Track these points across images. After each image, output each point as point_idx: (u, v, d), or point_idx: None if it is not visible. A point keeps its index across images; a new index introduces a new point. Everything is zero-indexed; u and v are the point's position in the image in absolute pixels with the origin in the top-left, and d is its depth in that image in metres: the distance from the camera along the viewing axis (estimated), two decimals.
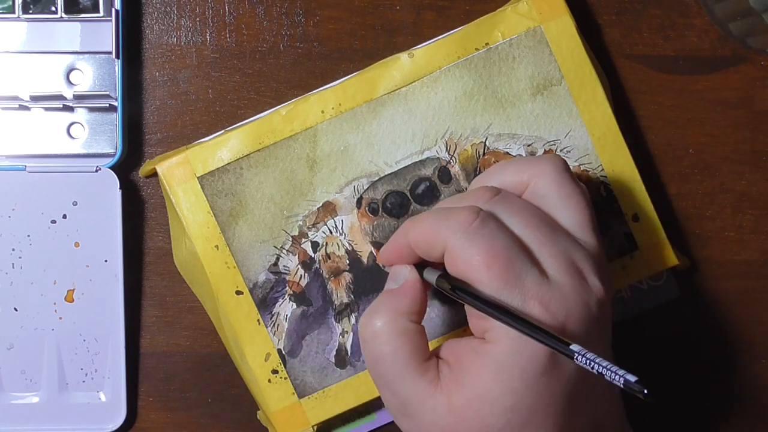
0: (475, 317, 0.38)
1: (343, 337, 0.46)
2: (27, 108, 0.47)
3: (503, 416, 0.36)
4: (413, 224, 0.39)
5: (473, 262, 0.37)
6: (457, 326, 0.46)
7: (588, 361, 0.32)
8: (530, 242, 0.38)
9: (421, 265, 0.40)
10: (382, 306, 0.39)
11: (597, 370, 0.32)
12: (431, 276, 0.39)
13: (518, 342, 0.36)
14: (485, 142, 0.46)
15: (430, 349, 0.40)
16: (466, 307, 0.39)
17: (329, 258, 0.46)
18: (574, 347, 0.33)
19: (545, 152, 0.46)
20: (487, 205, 0.38)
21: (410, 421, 0.38)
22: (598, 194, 0.46)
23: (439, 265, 0.39)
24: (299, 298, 0.46)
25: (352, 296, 0.46)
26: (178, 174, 0.45)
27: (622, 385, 0.31)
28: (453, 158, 0.46)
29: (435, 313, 0.46)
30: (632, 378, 0.31)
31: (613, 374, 0.31)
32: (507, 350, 0.36)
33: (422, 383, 0.38)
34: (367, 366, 0.40)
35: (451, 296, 0.38)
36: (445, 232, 0.37)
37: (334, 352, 0.46)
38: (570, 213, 0.39)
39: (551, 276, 0.37)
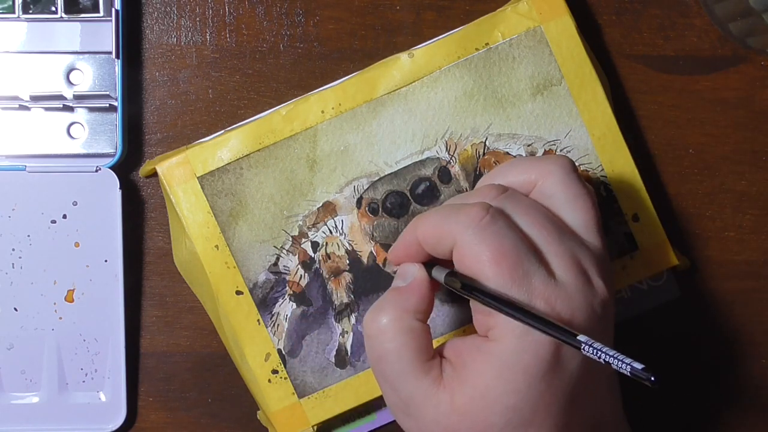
0: (479, 314, 0.38)
1: (343, 337, 0.46)
2: (27, 108, 0.47)
3: (505, 415, 0.36)
4: (422, 220, 0.40)
5: (482, 259, 0.37)
6: (459, 325, 0.46)
7: (595, 351, 0.32)
8: (538, 241, 0.38)
9: (429, 264, 0.40)
10: (389, 303, 0.39)
11: (604, 360, 0.32)
12: (440, 274, 0.39)
13: (522, 340, 0.36)
14: (485, 142, 0.46)
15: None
16: (471, 304, 0.39)
17: (329, 258, 0.46)
18: (582, 338, 0.33)
19: (545, 152, 0.46)
20: (496, 202, 0.39)
21: (412, 419, 0.38)
22: (598, 194, 0.46)
23: (448, 264, 0.39)
24: (299, 298, 0.46)
25: (352, 296, 0.46)
26: (178, 174, 0.45)
27: (629, 373, 0.31)
28: (453, 158, 0.46)
29: (436, 312, 0.46)
30: (639, 366, 0.31)
31: (620, 362, 0.31)
32: (510, 348, 0.36)
33: (425, 382, 0.38)
34: (370, 363, 0.40)
35: (460, 293, 0.38)
36: (454, 227, 0.37)
37: (334, 352, 0.46)
38: (577, 213, 0.39)
39: (558, 276, 0.37)
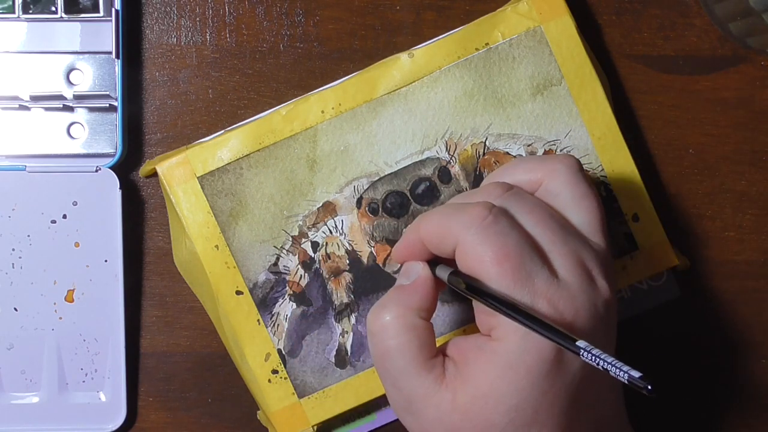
0: (482, 314, 0.38)
1: (343, 337, 0.46)
2: (27, 108, 0.47)
3: (507, 415, 0.36)
4: (425, 219, 0.39)
5: (485, 259, 0.36)
6: (460, 325, 0.46)
7: (594, 357, 0.32)
8: (542, 240, 0.38)
9: (433, 262, 0.40)
10: (392, 301, 0.39)
11: (602, 366, 0.32)
12: (443, 273, 0.39)
13: (525, 340, 0.36)
14: (485, 142, 0.46)
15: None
16: (474, 304, 0.39)
17: (329, 258, 0.46)
18: (581, 343, 0.33)
19: (545, 152, 0.46)
20: (500, 200, 0.38)
21: (414, 417, 0.38)
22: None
23: (452, 262, 0.39)
24: (299, 298, 0.46)
25: (352, 296, 0.46)
26: (178, 174, 0.45)
27: (626, 381, 0.31)
28: (453, 158, 0.46)
29: (437, 312, 0.46)
30: (636, 374, 0.31)
31: (617, 370, 0.31)
32: (513, 348, 0.36)
33: (428, 380, 0.38)
34: (373, 360, 0.40)
35: (463, 293, 0.38)
36: (457, 227, 0.37)
37: (334, 352, 0.46)
38: (582, 213, 0.39)
39: (561, 275, 0.37)
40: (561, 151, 0.46)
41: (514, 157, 0.46)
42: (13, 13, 0.46)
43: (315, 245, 0.46)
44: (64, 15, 0.46)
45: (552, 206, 0.39)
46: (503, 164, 0.42)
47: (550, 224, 0.38)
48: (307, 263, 0.46)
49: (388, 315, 0.39)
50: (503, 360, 0.36)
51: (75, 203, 0.47)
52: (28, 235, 0.47)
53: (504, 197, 0.39)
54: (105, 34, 0.47)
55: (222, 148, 0.45)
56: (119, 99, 0.46)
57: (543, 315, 0.36)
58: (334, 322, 0.46)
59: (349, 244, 0.46)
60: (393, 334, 0.38)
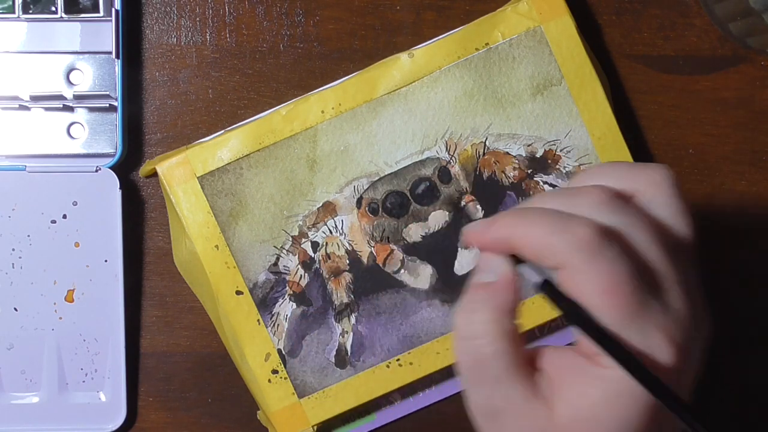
0: None
1: (343, 337, 0.46)
2: (27, 108, 0.47)
3: None
4: (523, 224, 0.35)
5: (593, 288, 0.33)
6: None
7: None
8: (657, 265, 0.34)
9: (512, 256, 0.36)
10: (483, 302, 0.35)
11: None
12: (531, 275, 0.35)
13: None
14: (485, 142, 0.46)
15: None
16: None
17: (329, 258, 0.46)
18: (687, 414, 0.30)
19: (545, 152, 0.46)
20: (609, 216, 0.34)
21: (499, 426, 0.35)
22: None
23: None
24: (299, 298, 0.46)
25: (352, 296, 0.46)
26: (178, 174, 0.45)
27: None
28: (453, 158, 0.46)
29: (436, 312, 0.46)
30: None
31: None
32: (622, 376, 0.33)
33: (522, 390, 0.34)
34: (461, 366, 0.36)
35: (557, 310, 0.34)
36: (562, 247, 0.33)
37: (334, 352, 0.46)
38: (683, 230, 0.36)
39: (672, 304, 0.34)
40: (561, 151, 0.46)
41: (514, 157, 0.46)
42: (13, 13, 0.46)
43: (315, 245, 0.46)
44: (64, 15, 0.46)
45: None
46: (591, 169, 0.37)
47: (664, 247, 0.34)
48: (307, 263, 0.46)
49: (482, 318, 0.35)
50: (611, 387, 0.33)
51: (75, 203, 0.47)
52: (28, 235, 0.47)
53: (613, 211, 0.34)
54: (105, 34, 0.46)
55: (222, 148, 0.45)
56: (119, 99, 0.46)
57: (656, 351, 0.33)
58: (334, 322, 0.46)
59: (349, 244, 0.46)
60: (489, 341, 0.34)
